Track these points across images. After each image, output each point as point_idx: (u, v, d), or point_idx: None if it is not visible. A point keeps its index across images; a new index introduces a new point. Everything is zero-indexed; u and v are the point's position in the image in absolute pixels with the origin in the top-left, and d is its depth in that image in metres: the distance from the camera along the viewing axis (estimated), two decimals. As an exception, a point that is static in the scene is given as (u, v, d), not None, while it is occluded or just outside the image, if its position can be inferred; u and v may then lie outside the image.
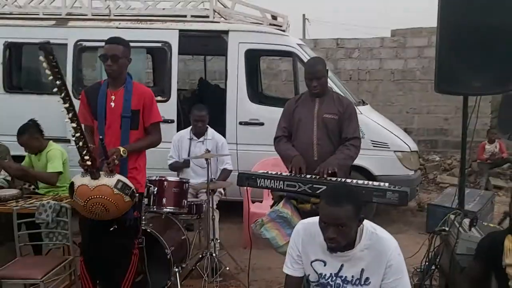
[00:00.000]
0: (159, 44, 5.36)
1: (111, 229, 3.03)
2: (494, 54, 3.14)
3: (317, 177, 3.00)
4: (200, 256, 4.03)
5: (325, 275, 2.09)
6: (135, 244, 3.27)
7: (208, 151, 4.25)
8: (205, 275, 3.70)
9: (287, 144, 3.38)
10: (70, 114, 2.71)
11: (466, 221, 3.06)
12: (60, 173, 3.93)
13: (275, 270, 4.29)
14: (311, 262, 2.12)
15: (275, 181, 2.99)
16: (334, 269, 2.07)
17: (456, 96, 9.67)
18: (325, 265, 2.09)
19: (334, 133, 3.26)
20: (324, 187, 2.84)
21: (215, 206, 4.14)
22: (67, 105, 2.71)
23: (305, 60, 5.28)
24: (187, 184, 3.76)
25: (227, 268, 3.97)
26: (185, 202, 3.71)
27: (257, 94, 6.27)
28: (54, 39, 5.33)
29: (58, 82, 2.68)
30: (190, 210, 3.89)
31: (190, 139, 4.49)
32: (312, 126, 3.26)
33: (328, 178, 2.97)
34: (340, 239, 1.96)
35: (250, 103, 5.35)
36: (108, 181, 2.75)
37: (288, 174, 3.14)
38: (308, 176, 3.05)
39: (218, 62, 8.91)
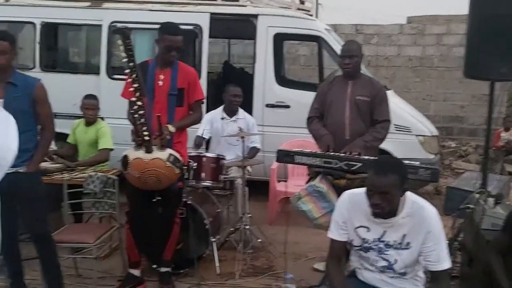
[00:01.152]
0: (191, 27, 5.52)
1: (154, 200, 3.28)
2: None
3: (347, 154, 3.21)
4: (232, 229, 4.27)
5: (369, 240, 2.30)
6: (177, 214, 3.51)
7: (240, 129, 4.46)
8: (239, 246, 3.92)
9: (318, 124, 3.57)
10: (138, 93, 2.94)
11: (490, 200, 3.25)
12: (111, 149, 4.17)
13: (302, 244, 4.53)
14: (355, 228, 2.32)
15: (312, 158, 3.20)
16: (377, 235, 2.28)
17: (472, 84, 9.86)
18: (368, 230, 2.30)
19: (366, 114, 3.44)
20: (360, 164, 3.05)
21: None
22: (136, 85, 2.95)
23: (332, 45, 5.46)
24: (223, 160, 3.98)
25: (259, 240, 4.20)
26: (221, 177, 3.92)
27: (282, 78, 6.43)
28: (89, 20, 5.61)
29: (131, 64, 2.93)
30: (224, 185, 4.10)
31: (222, 118, 4.67)
32: (344, 107, 3.45)
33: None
34: (384, 205, 2.17)
35: (277, 86, 5.52)
36: (161, 154, 2.97)
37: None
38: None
39: (239, 45, 9.08)
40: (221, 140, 4.69)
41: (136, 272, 3.49)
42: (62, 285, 3.22)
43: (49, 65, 5.86)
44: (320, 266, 3.91)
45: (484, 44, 3.40)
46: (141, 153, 2.99)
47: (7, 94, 2.96)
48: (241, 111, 4.76)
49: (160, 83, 3.24)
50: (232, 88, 4.68)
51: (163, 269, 3.52)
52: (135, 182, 3.08)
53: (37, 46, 5.64)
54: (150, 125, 3.01)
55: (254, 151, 4.72)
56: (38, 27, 5.61)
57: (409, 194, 2.26)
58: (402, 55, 10.04)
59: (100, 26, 5.56)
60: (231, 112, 4.70)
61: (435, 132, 5.79)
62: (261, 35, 5.46)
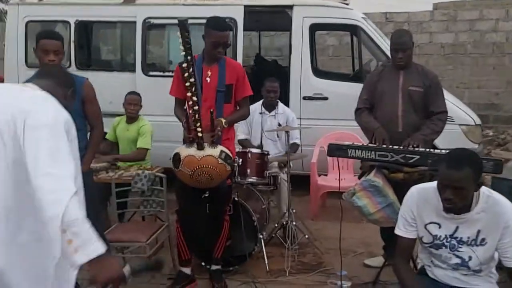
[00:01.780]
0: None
1: (202, 196, 3.24)
2: None
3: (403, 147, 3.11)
4: (276, 225, 4.21)
5: (440, 236, 2.21)
6: (227, 211, 3.47)
7: (279, 124, 4.40)
8: (287, 242, 3.86)
9: (369, 116, 3.47)
10: (193, 88, 2.89)
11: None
12: (148, 149, 4.15)
13: (348, 240, 4.42)
14: (426, 225, 2.24)
15: (366, 151, 3.11)
16: (449, 231, 2.19)
17: (507, 71, 9.59)
18: (440, 227, 2.21)
19: (419, 106, 3.33)
20: (417, 157, 2.95)
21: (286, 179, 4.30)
22: (192, 79, 2.91)
23: (370, 34, 5.34)
24: (267, 156, 3.92)
25: (306, 236, 4.13)
26: (267, 173, 3.86)
27: (316, 69, 6.32)
28: (122, 17, 5.58)
29: (188, 57, 2.87)
30: (268, 181, 4.04)
31: (261, 113, 4.60)
32: (397, 98, 3.34)
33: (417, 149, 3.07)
34: (457, 200, 2.07)
35: (314, 78, 5.43)
36: (213, 151, 2.92)
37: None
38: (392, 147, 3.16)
39: (267, 38, 8.99)
40: (261, 135, 4.63)
41: (187, 270, 3.47)
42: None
43: (84, 63, 5.88)
44: (371, 262, 3.84)
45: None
46: (193, 150, 2.94)
47: None
48: (280, 106, 4.69)
49: (208, 79, 3.19)
50: (269, 83, 4.60)
51: (214, 267, 3.50)
52: (186, 180, 3.04)
53: (72, 45, 5.64)
54: (211, 121, 2.96)
55: (295, 147, 4.65)
56: (73, 25, 5.61)
57: (483, 188, 2.16)
58: (434, 42, 9.77)
59: (134, 23, 5.53)
60: (269, 106, 4.63)
61: (478, 121, 5.62)
62: (296, 26, 5.37)
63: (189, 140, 2.99)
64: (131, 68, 5.61)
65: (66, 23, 5.62)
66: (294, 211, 4.21)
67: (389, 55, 5.24)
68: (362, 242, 4.32)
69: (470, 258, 2.16)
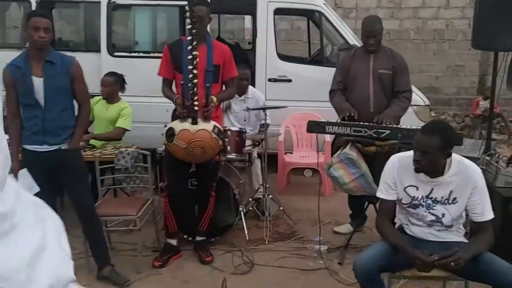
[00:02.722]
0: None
1: (190, 170, 3.41)
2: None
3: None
4: (250, 199, 4.46)
5: (417, 197, 2.54)
6: (213, 187, 3.65)
7: (248, 109, 4.60)
8: (265, 214, 4.12)
9: (341, 97, 3.77)
10: (195, 62, 3.05)
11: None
12: (126, 130, 4.24)
13: (314, 211, 4.71)
14: (405, 188, 2.56)
15: (343, 128, 3.41)
16: (425, 192, 2.53)
17: (446, 56, 10.25)
18: (417, 189, 2.54)
19: (389, 87, 3.66)
20: (388, 132, 3.29)
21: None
22: (195, 52, 3.07)
23: (331, 19, 5.64)
24: (245, 134, 4.12)
25: (281, 208, 4.42)
26: (245, 149, 4.08)
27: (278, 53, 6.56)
28: (87, -3, 5.53)
29: (194, 31, 3.05)
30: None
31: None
32: (368, 81, 3.65)
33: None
34: (424, 163, 2.41)
35: (279, 61, 5.67)
36: (206, 126, 3.10)
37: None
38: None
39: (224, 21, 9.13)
40: (231, 118, 4.79)
41: (173, 241, 3.66)
42: (109, 257, 3.35)
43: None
44: (339, 229, 4.19)
45: (491, 17, 3.65)
46: (187, 125, 3.10)
47: (46, 72, 3.01)
48: (250, 90, 4.82)
49: (196, 59, 3.29)
50: (241, 71, 4.69)
51: (199, 238, 3.70)
52: (180, 154, 3.18)
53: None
54: (206, 97, 3.11)
55: (266, 126, 4.86)
56: (34, 4, 5.48)
57: (455, 155, 2.50)
58: (380, 28, 10.31)
59: (98, 3, 5.49)
60: (239, 91, 4.71)
61: (426, 101, 6.09)
62: (261, 10, 5.56)
63: (183, 115, 3.13)
64: (96, 49, 5.58)
65: (27, 2, 5.49)
66: (268, 185, 4.48)
67: (348, 40, 5.62)
68: (327, 213, 4.64)
69: (443, 215, 2.51)
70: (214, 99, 3.22)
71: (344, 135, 3.43)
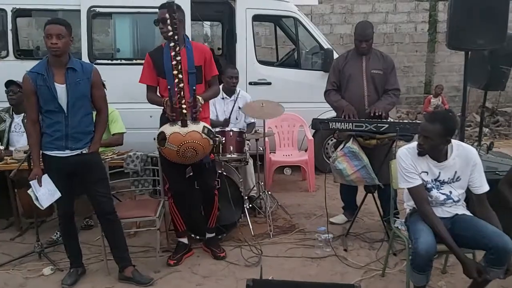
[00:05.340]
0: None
1: (187, 176, 3.54)
2: (494, 17, 4.02)
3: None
4: (246, 197, 4.64)
5: (428, 181, 2.88)
6: (215, 186, 3.80)
7: (239, 108, 4.81)
8: (267, 210, 4.33)
9: (337, 96, 4.05)
10: (179, 66, 3.12)
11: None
12: (123, 133, 4.29)
13: (304, 205, 5.05)
14: (420, 174, 2.88)
15: (345, 124, 3.69)
16: (434, 176, 2.88)
17: (394, 57, 10.87)
18: (427, 174, 2.87)
19: (381, 86, 3.98)
20: (387, 126, 3.61)
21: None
22: (178, 58, 3.13)
23: (306, 25, 5.97)
24: (245, 134, 4.32)
25: (279, 204, 4.65)
26: (245, 149, 4.27)
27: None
28: (65, 5, 5.52)
29: (176, 37, 3.10)
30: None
31: (223, 98, 4.88)
32: (362, 81, 3.96)
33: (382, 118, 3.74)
34: (425, 147, 2.79)
35: (258, 64, 5.91)
36: (196, 127, 3.20)
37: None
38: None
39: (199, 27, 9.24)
40: (221, 117, 4.98)
41: (185, 240, 3.78)
42: (130, 258, 3.42)
43: (24, 53, 5.69)
44: (335, 220, 4.47)
45: (465, 19, 4.06)
46: (177, 128, 3.18)
47: (68, 79, 3.07)
48: (238, 90, 5.05)
49: None
50: (230, 70, 4.93)
51: (209, 235, 3.84)
52: (173, 157, 3.27)
53: (10, 34, 5.43)
54: (194, 99, 3.18)
55: (252, 125, 5.09)
56: (9, 13, 5.39)
57: (453, 141, 2.86)
58: (334, 33, 10.83)
59: (78, 11, 5.48)
60: (230, 92, 4.94)
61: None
62: (240, 17, 5.78)
63: (172, 119, 3.23)
64: (77, 57, 5.52)
65: (2, 10, 5.39)
66: (262, 183, 4.70)
67: (321, 43, 5.95)
68: (317, 206, 4.93)
69: (451, 192, 2.88)
70: (201, 99, 3.31)
71: (347, 130, 3.71)
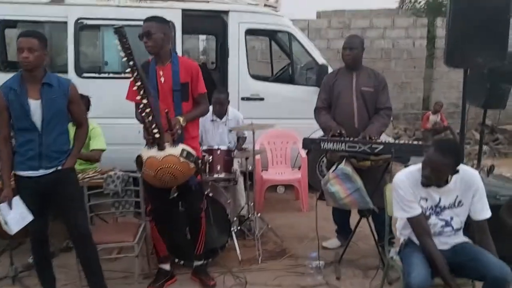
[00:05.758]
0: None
1: (171, 197, 3.28)
2: (494, 35, 3.86)
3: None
4: (235, 218, 4.43)
5: (428, 207, 2.68)
6: (202, 209, 3.56)
7: (230, 131, 4.60)
8: (255, 233, 4.11)
9: (326, 116, 3.87)
10: (142, 91, 2.91)
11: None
12: (103, 150, 4.09)
13: (298, 227, 4.83)
14: (419, 200, 2.68)
15: (337, 143, 3.49)
16: (434, 202, 2.68)
17: (392, 74, 10.76)
18: (426, 200, 2.67)
19: (371, 104, 3.81)
20: (382, 147, 3.41)
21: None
22: (139, 83, 2.92)
23: (300, 40, 5.81)
24: (233, 153, 4.12)
25: (269, 226, 4.42)
26: (234, 168, 4.07)
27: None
28: (51, 17, 5.37)
29: (131, 63, 2.90)
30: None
31: (213, 120, 4.64)
32: (351, 98, 3.79)
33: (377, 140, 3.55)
34: (433, 179, 2.58)
35: (251, 79, 5.74)
36: (174, 151, 2.99)
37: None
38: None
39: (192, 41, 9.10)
40: (211, 140, 4.74)
41: (166, 266, 3.56)
42: (106, 285, 3.20)
43: (9, 65, 5.51)
44: (328, 244, 4.25)
45: (463, 37, 3.90)
46: (154, 152, 2.99)
47: (44, 95, 2.89)
48: (230, 111, 4.78)
49: (162, 79, 3.19)
50: (216, 94, 4.65)
51: (197, 263, 3.61)
52: (152, 181, 3.09)
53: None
54: (159, 123, 2.99)
55: (243, 139, 4.87)
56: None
57: None
58: (331, 48, 10.69)
59: (64, 23, 5.32)
60: (220, 114, 4.69)
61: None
62: (233, 31, 5.63)
63: (150, 142, 3.04)
64: (63, 69, 5.38)
65: (-14, 22, 5.23)
66: (252, 204, 4.48)
67: (316, 59, 5.80)
68: (310, 228, 4.67)
69: (451, 218, 2.68)
70: (181, 120, 3.11)
71: (339, 151, 3.51)
